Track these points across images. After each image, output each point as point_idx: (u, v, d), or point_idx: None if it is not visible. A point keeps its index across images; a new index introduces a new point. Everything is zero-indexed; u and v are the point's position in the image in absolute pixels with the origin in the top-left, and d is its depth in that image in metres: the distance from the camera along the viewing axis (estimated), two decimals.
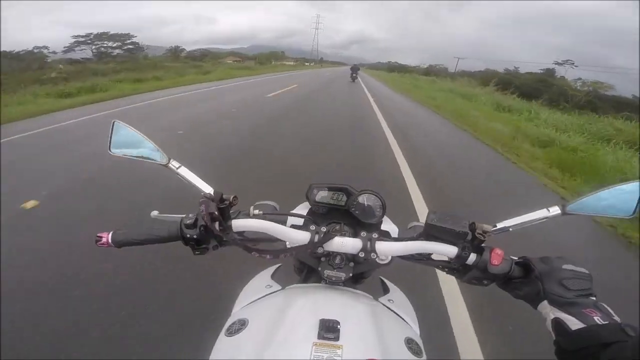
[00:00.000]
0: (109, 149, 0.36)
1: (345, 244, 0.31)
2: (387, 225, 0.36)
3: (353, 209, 0.34)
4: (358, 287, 0.38)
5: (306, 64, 53.95)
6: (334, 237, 0.31)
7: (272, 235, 0.33)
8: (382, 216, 0.34)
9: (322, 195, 0.34)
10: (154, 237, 0.33)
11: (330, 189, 0.34)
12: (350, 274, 0.34)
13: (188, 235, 0.32)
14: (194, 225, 0.32)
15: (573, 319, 0.25)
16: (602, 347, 0.23)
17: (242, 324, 0.28)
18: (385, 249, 0.31)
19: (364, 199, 0.33)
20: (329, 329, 0.25)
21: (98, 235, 0.33)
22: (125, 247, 0.33)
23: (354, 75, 12.33)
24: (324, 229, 0.33)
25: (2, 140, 2.77)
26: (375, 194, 0.33)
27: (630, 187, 0.30)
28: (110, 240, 0.33)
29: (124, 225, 0.33)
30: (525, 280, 0.29)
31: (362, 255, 0.31)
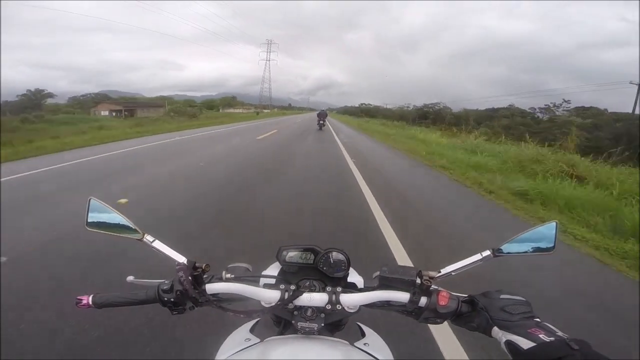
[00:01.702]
0: (85, 225, 0.48)
1: (313, 298, 0.44)
2: (353, 277, 0.51)
3: (321, 266, 0.48)
4: (337, 334, 0.49)
5: (265, 110, 59.79)
6: (302, 293, 0.44)
7: (244, 295, 0.45)
8: (347, 270, 0.48)
9: (291, 255, 0.49)
10: (133, 299, 0.45)
11: (298, 249, 0.49)
12: (322, 324, 0.45)
13: (165, 299, 0.44)
14: (170, 290, 0.44)
15: (522, 339, 0.35)
16: None
17: None
18: (349, 300, 0.44)
19: (330, 256, 0.48)
20: None
21: (78, 298, 0.45)
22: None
23: (322, 122, 13.49)
24: (292, 287, 0.46)
25: None
26: (340, 252, 0.48)
27: (548, 226, 0.45)
28: (90, 302, 0.44)
29: (103, 289, 0.46)
30: (473, 313, 0.42)
31: (329, 307, 0.44)
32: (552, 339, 0.33)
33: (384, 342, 0.51)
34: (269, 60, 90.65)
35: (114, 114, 31.05)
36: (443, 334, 1.36)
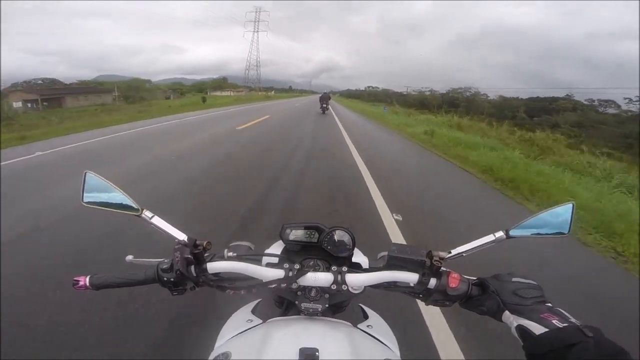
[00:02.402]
0: (82, 200, 0.50)
1: (318, 278, 0.47)
2: (358, 257, 0.54)
3: (325, 245, 0.51)
4: (338, 316, 0.52)
5: (259, 93, 59.31)
6: (306, 273, 0.47)
7: (247, 275, 0.48)
8: (353, 249, 0.51)
9: (295, 234, 0.52)
10: (131, 280, 0.49)
11: (301, 227, 0.52)
12: (327, 305, 0.49)
13: (165, 279, 0.47)
14: (170, 270, 0.47)
15: (535, 324, 0.37)
16: (566, 349, 0.32)
17: (225, 357, 0.40)
18: (355, 281, 0.47)
19: (335, 234, 0.51)
20: (308, 357, 0.38)
21: (75, 279, 0.48)
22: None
23: (324, 105, 14.69)
24: (297, 266, 0.49)
25: None
26: (345, 230, 0.51)
27: (564, 208, 0.48)
28: (87, 284, 0.47)
29: (100, 270, 0.48)
30: (483, 297, 0.44)
31: (334, 287, 0.47)
32: (565, 324, 0.36)
33: (386, 325, 0.55)
34: (257, 31, 77.63)
35: (29, 105, 26.57)
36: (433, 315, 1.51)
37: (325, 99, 15.09)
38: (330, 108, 15.78)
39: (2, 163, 4.43)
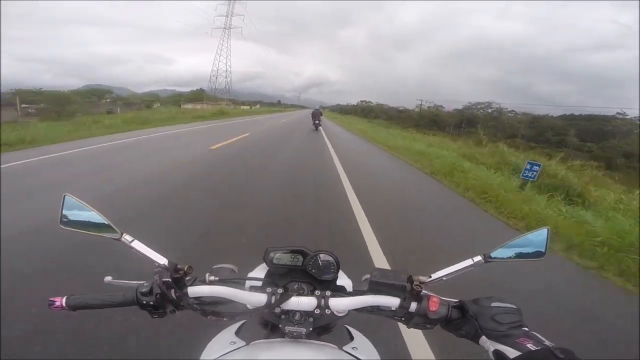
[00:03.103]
0: (60, 223, 0.55)
1: (301, 302, 0.53)
2: (343, 280, 0.60)
3: (309, 268, 0.57)
4: (324, 337, 0.57)
5: (243, 107, 59.07)
6: (290, 297, 0.52)
7: (229, 299, 0.53)
8: (337, 273, 0.58)
9: (279, 257, 0.57)
10: (109, 302, 0.53)
11: (286, 251, 0.58)
12: (310, 329, 0.54)
13: (144, 302, 0.52)
14: (149, 293, 0.52)
15: (510, 349, 0.43)
16: None
17: None
18: (338, 305, 0.53)
19: (319, 258, 0.57)
20: None
21: (50, 299, 0.52)
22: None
23: (317, 122, 16.00)
24: (280, 290, 0.54)
25: None
26: (329, 254, 0.57)
27: (539, 232, 0.55)
28: (64, 304, 0.52)
29: (78, 290, 0.52)
30: (463, 320, 0.51)
31: (317, 312, 0.52)
32: (538, 348, 0.41)
33: (372, 346, 0.60)
34: (230, 27, 64.13)
35: None
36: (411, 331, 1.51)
37: (317, 115, 16.33)
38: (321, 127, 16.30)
39: None
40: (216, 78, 61.05)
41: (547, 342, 0.43)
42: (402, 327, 1.60)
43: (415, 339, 1.69)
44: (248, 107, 65.41)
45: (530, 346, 0.42)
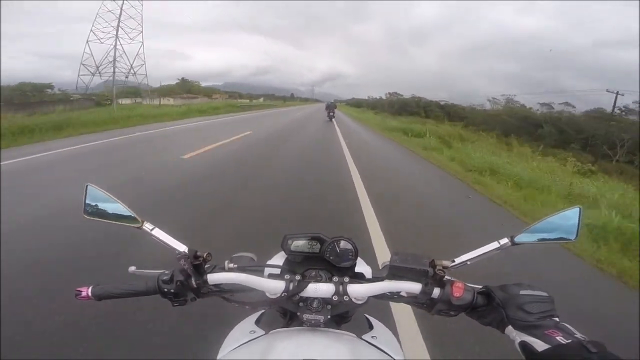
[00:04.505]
0: (83, 213, 0.70)
1: (319, 289, 0.64)
2: (361, 267, 0.72)
3: (327, 255, 0.69)
4: (343, 326, 0.69)
5: (241, 101, 60.13)
6: (307, 284, 0.64)
7: (248, 286, 0.66)
8: (355, 259, 0.69)
9: (297, 244, 0.70)
10: (132, 291, 0.67)
11: (304, 238, 0.70)
12: (329, 316, 0.65)
13: (165, 290, 0.65)
14: (170, 281, 0.65)
15: (538, 341, 0.49)
16: None
17: None
18: (357, 291, 0.64)
19: (337, 245, 0.69)
20: None
21: (77, 289, 0.66)
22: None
23: (331, 114, 22.22)
24: (298, 277, 0.66)
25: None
26: (347, 240, 0.69)
27: (571, 212, 0.62)
28: (90, 294, 0.66)
29: (102, 281, 0.66)
30: (488, 308, 0.58)
31: (335, 298, 0.64)
32: (569, 341, 0.47)
33: (392, 335, 0.72)
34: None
35: None
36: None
37: (331, 107, 22.82)
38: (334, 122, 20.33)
39: None
40: (114, 64, 47.89)
41: (578, 335, 0.48)
42: (394, 308, 2.12)
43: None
44: (247, 100, 66.34)
45: (560, 339, 0.48)
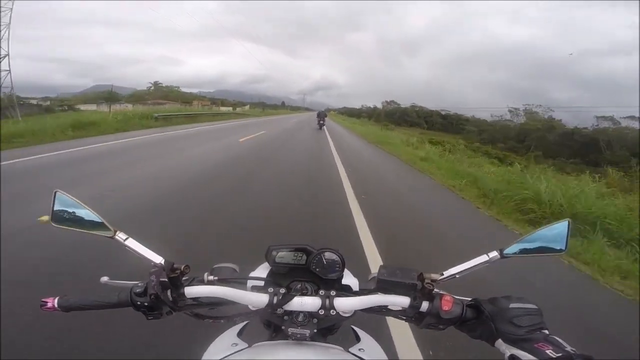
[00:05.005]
0: (51, 221, 0.73)
1: (305, 303, 0.67)
2: (348, 279, 0.77)
3: (314, 267, 0.73)
4: (329, 339, 0.72)
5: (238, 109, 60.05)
6: (292, 297, 0.67)
7: (229, 300, 0.69)
8: (342, 271, 0.73)
9: (281, 255, 0.74)
10: (103, 303, 0.69)
11: (289, 249, 0.74)
12: (315, 330, 0.68)
13: (139, 303, 0.67)
14: (144, 294, 0.67)
15: (527, 354, 0.53)
16: None
17: None
18: (344, 305, 0.67)
19: (323, 256, 0.73)
20: None
21: (42, 300, 0.67)
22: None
23: (321, 122, 24.68)
24: (282, 290, 0.70)
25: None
26: (334, 252, 0.73)
27: (560, 225, 0.68)
28: (56, 305, 0.67)
29: (71, 291, 0.68)
30: (478, 321, 0.63)
31: (322, 312, 0.67)
32: (558, 355, 0.51)
33: (379, 347, 0.76)
34: None
35: None
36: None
37: (322, 116, 25.52)
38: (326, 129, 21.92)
39: None
40: None
41: (568, 348, 0.53)
42: (392, 322, 2.24)
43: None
44: (230, 108, 66.23)
45: (550, 352, 0.52)
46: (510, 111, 61.20)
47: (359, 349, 0.72)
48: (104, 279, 0.73)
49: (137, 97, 60.30)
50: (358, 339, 0.78)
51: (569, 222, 0.70)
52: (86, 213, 0.73)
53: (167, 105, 43.34)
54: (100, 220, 0.72)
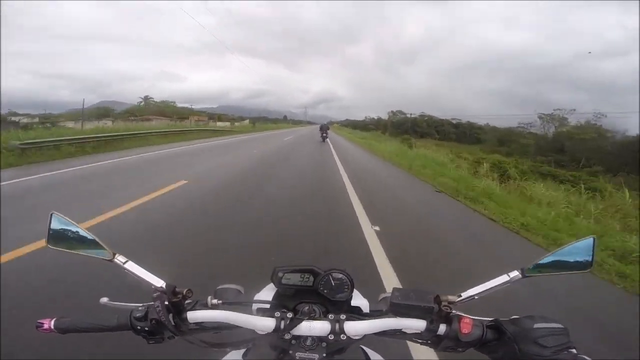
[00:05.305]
0: (47, 243, 0.74)
1: (314, 328, 0.68)
2: (357, 300, 0.77)
3: (321, 289, 0.73)
4: (336, 359, 0.72)
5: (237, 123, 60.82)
6: (300, 322, 0.68)
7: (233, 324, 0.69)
8: (351, 293, 0.74)
9: (288, 277, 0.74)
10: (101, 326, 0.70)
11: (295, 271, 0.74)
12: (324, 354, 0.69)
13: (139, 327, 0.68)
14: (144, 318, 0.68)
15: None
16: None
17: None
18: (355, 329, 0.68)
19: (331, 277, 0.73)
20: None
21: (39, 321, 0.69)
22: None
23: (324, 135, 27.32)
24: (289, 314, 0.70)
25: None
26: (342, 272, 0.74)
27: (584, 242, 0.69)
28: (52, 327, 0.68)
29: (69, 312, 0.70)
30: (499, 342, 0.64)
31: (332, 337, 0.68)
32: None
33: None
34: None
35: None
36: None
37: (324, 128, 28.40)
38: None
39: None
40: None
41: None
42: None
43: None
44: (228, 123, 66.78)
45: None
46: (540, 117, 58.10)
47: None
48: (104, 299, 0.73)
49: (130, 112, 61.01)
50: (368, 359, 0.79)
51: (594, 238, 0.71)
52: (83, 235, 0.74)
53: (154, 121, 42.67)
54: (97, 243, 0.74)
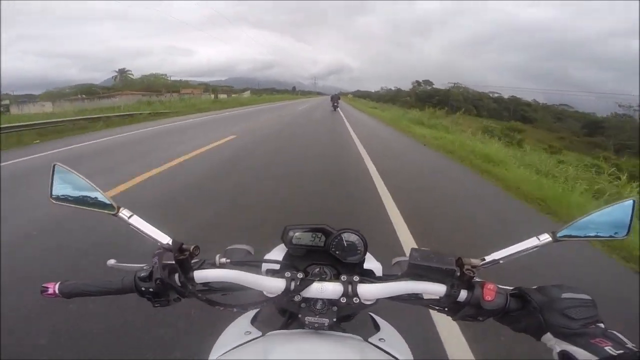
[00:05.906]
0: (50, 196, 0.77)
1: (325, 289, 0.70)
2: (370, 263, 0.81)
3: (333, 249, 0.77)
4: (345, 326, 0.77)
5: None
6: (311, 283, 0.71)
7: (242, 284, 0.73)
8: (364, 254, 0.77)
9: (299, 237, 0.79)
10: (106, 288, 0.74)
11: (306, 230, 0.78)
12: (334, 319, 0.73)
13: (143, 289, 0.71)
14: (148, 279, 0.71)
15: (582, 351, 0.53)
16: None
17: None
18: (369, 292, 0.70)
19: (344, 237, 0.77)
20: None
21: (43, 285, 0.73)
22: None
23: (335, 104, 31.68)
24: (300, 275, 0.73)
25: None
26: (355, 232, 0.77)
27: (622, 206, 0.67)
28: (57, 291, 0.73)
29: (74, 276, 0.75)
30: (523, 312, 0.64)
31: (344, 300, 0.70)
32: (620, 352, 0.51)
33: (401, 337, 0.81)
34: None
35: None
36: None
37: (335, 98, 32.78)
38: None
39: None
40: None
41: (630, 345, 0.53)
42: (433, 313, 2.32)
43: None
44: (224, 95, 66.45)
45: (609, 349, 0.52)
46: (620, 106, 56.74)
47: (379, 339, 0.76)
48: (111, 261, 0.77)
49: (82, 90, 59.66)
50: (377, 327, 0.82)
51: (634, 201, 0.70)
52: (88, 188, 0.76)
53: (118, 98, 40.20)
54: (102, 196, 0.76)
